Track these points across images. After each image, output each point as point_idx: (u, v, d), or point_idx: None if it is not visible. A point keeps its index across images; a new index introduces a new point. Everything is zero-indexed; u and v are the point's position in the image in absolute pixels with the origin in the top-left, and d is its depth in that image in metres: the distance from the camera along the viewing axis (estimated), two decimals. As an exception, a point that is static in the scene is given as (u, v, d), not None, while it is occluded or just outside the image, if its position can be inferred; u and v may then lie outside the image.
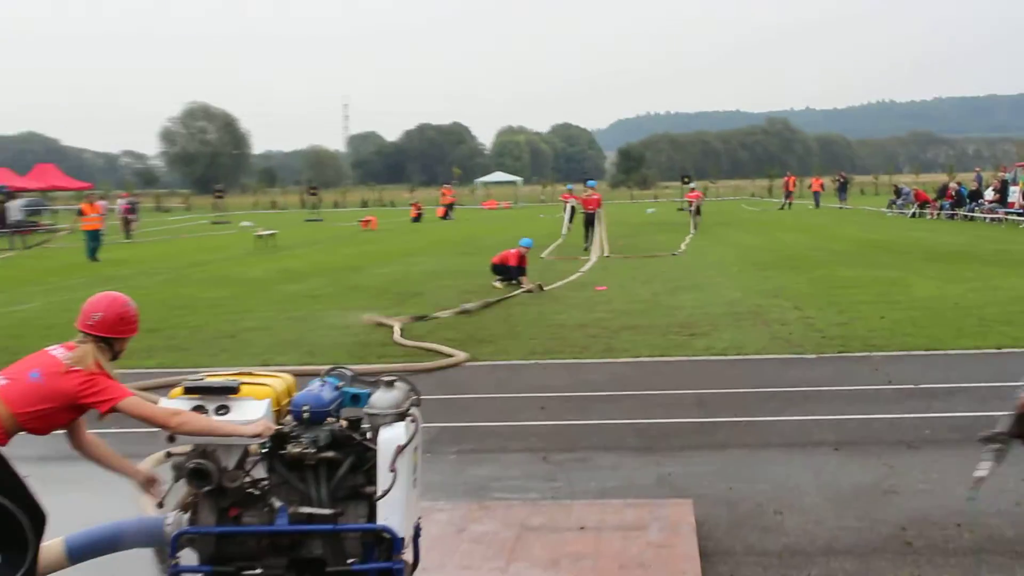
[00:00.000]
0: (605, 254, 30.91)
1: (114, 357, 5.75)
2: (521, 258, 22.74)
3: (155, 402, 5.67)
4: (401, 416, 5.61)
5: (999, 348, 13.49)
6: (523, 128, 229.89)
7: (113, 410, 5.45)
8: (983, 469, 6.13)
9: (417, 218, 62.00)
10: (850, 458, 8.75)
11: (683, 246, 33.15)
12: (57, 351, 5.61)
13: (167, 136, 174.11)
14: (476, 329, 16.57)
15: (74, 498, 6.34)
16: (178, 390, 5.60)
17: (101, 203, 44.06)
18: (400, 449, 5.43)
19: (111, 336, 5.70)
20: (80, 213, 37.54)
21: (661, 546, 6.60)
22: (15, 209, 48.86)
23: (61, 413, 5.49)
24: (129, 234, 50.22)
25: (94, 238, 35.72)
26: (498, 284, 22.26)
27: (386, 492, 5.38)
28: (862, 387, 11.43)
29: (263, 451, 5.65)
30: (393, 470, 5.39)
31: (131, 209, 53.35)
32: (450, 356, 13.84)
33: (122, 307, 5.77)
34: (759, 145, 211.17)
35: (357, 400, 5.81)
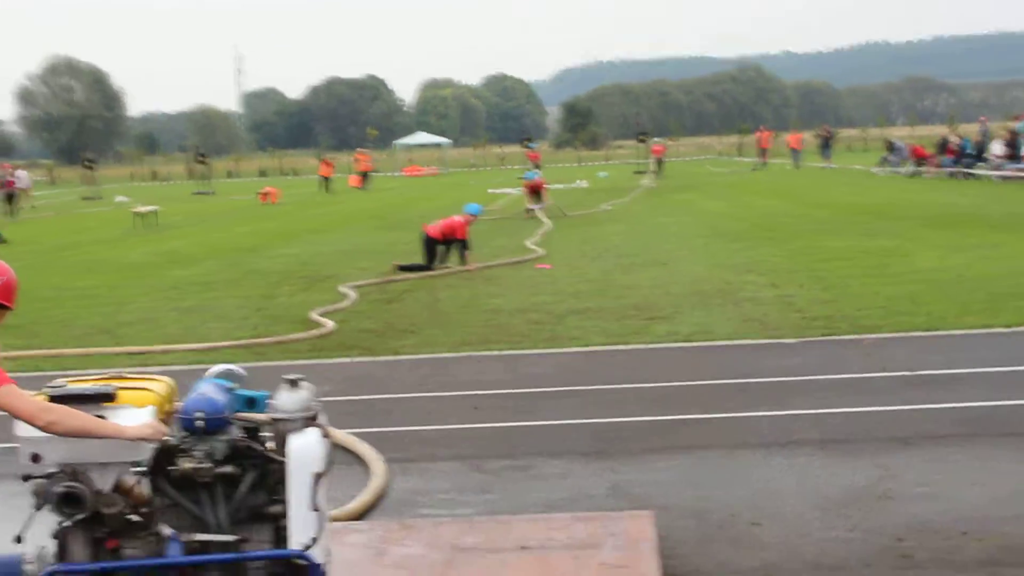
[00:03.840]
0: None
1: None
2: (466, 227, 22.65)
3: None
4: (311, 420, 5.53)
5: (1011, 327, 13.62)
6: (450, 81, 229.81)
7: None
8: None
9: (327, 180, 61.78)
10: (838, 458, 8.77)
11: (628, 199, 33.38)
12: None
13: (25, 97, 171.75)
14: (397, 317, 16.53)
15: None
16: (39, 398, 5.48)
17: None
18: (319, 478, 5.34)
19: (5, 305, 5.57)
20: None
21: (617, 566, 6.57)
22: None
23: None
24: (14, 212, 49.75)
25: None
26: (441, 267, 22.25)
27: (314, 540, 5.29)
28: (851, 375, 11.49)
29: (143, 469, 5.55)
30: (316, 508, 5.31)
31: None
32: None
33: (11, 273, 5.67)
34: (728, 95, 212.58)
35: (253, 404, 5.73)
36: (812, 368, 11.90)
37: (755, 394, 10.91)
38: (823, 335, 13.57)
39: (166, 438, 5.46)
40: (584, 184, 55.68)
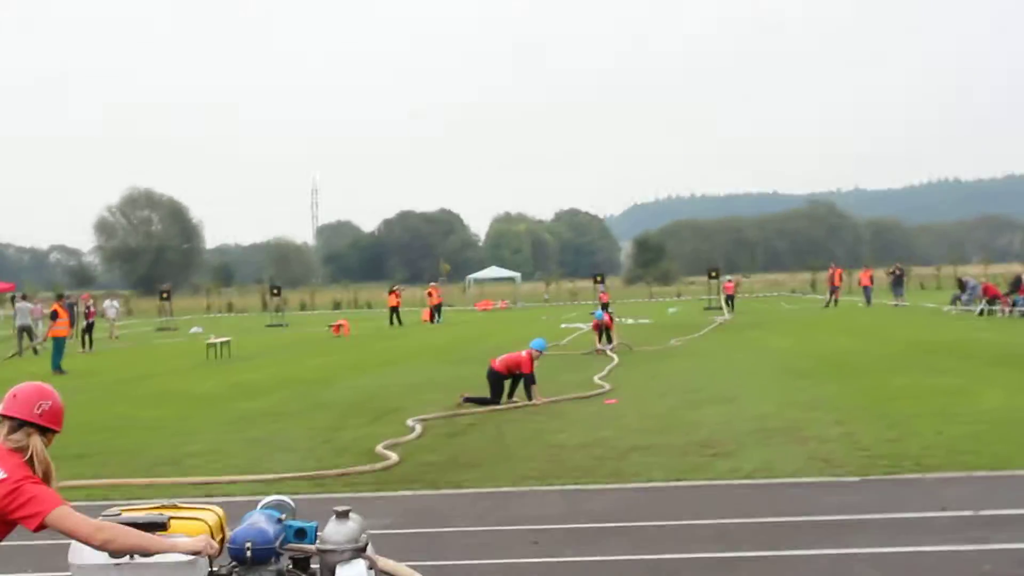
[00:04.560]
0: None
1: None
2: (532, 363, 22.79)
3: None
4: (359, 551, 5.62)
5: (1076, 468, 13.46)
6: (523, 216, 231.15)
7: (43, 525, 5.47)
8: None
9: (395, 310, 62.24)
10: (896, 598, 8.72)
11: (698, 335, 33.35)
12: None
13: (104, 228, 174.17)
14: (460, 450, 16.61)
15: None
16: None
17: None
18: None
19: (54, 429, 5.78)
20: (54, 317, 37.67)
21: None
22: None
23: None
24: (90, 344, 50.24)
25: (61, 346, 36.26)
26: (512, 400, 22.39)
27: None
28: (912, 514, 11.40)
29: None
30: None
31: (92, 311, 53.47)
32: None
33: (56, 397, 5.88)
34: (800, 233, 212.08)
35: (303, 535, 5.82)
36: (873, 507, 11.81)
37: (814, 532, 10.85)
38: (886, 473, 13.48)
39: (217, 567, 5.56)
40: (647, 321, 55.68)
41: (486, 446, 17.02)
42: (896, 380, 23.04)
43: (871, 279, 67.50)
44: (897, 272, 68.36)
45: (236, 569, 5.60)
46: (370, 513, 11.52)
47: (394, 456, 15.76)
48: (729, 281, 63.26)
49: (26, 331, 46.24)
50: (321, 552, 5.63)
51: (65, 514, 5.47)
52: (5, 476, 5.50)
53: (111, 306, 64.38)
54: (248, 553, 5.56)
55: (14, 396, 5.79)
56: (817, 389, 22.12)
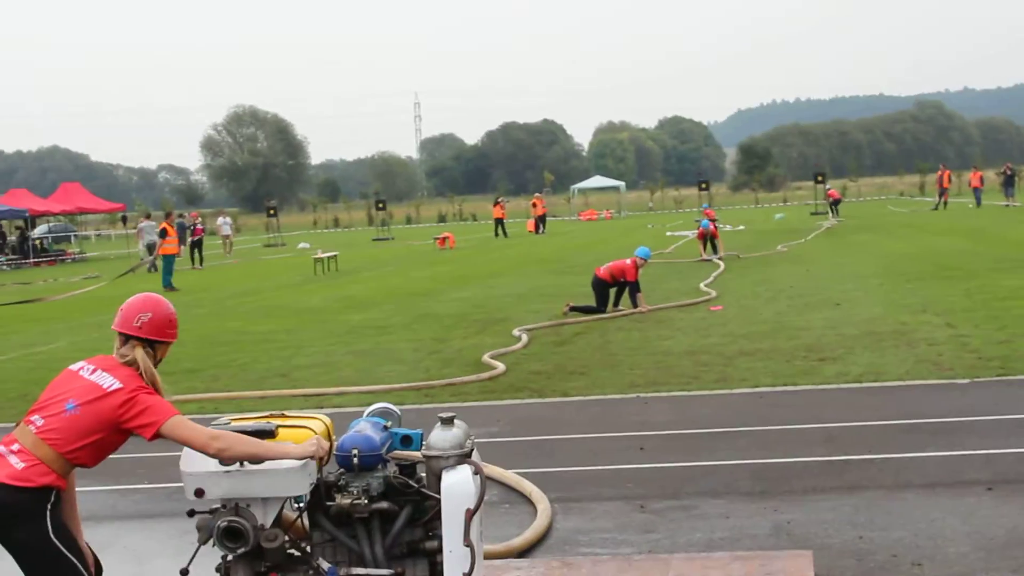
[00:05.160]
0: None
1: (155, 366, 5.93)
2: (636, 270, 22.78)
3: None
4: (464, 457, 5.66)
5: None
6: (626, 124, 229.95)
7: (158, 435, 5.58)
8: None
9: (500, 221, 62.56)
10: (1006, 499, 8.64)
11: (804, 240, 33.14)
12: (86, 371, 5.77)
13: (210, 146, 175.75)
14: (567, 359, 16.66)
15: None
16: None
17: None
18: (471, 514, 5.45)
19: (159, 340, 5.89)
20: (163, 235, 38.29)
21: (775, 605, 6.59)
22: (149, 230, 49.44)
23: (108, 439, 5.65)
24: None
25: (171, 263, 36.96)
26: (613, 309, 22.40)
27: (469, 574, 5.40)
28: (1023, 416, 11.29)
29: (301, 504, 5.73)
30: (468, 543, 5.42)
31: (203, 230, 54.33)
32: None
33: (168, 308, 6.01)
34: (908, 134, 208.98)
35: (408, 442, 5.88)
36: (984, 408, 11.70)
37: (923, 434, 10.79)
38: (997, 375, 13.33)
39: (325, 474, 5.64)
40: (742, 228, 55.26)
41: (592, 354, 17.06)
42: (1007, 281, 22.70)
43: (981, 180, 66.46)
44: (1008, 172, 67.23)
45: (344, 476, 5.67)
46: (477, 422, 11.65)
47: (501, 366, 15.85)
48: (831, 189, 63.09)
49: (151, 248, 47.06)
50: (426, 458, 5.69)
51: (180, 423, 5.58)
52: (121, 386, 5.61)
53: (225, 223, 64.98)
54: (355, 460, 5.63)
55: (121, 311, 5.91)
56: (926, 292, 21.88)
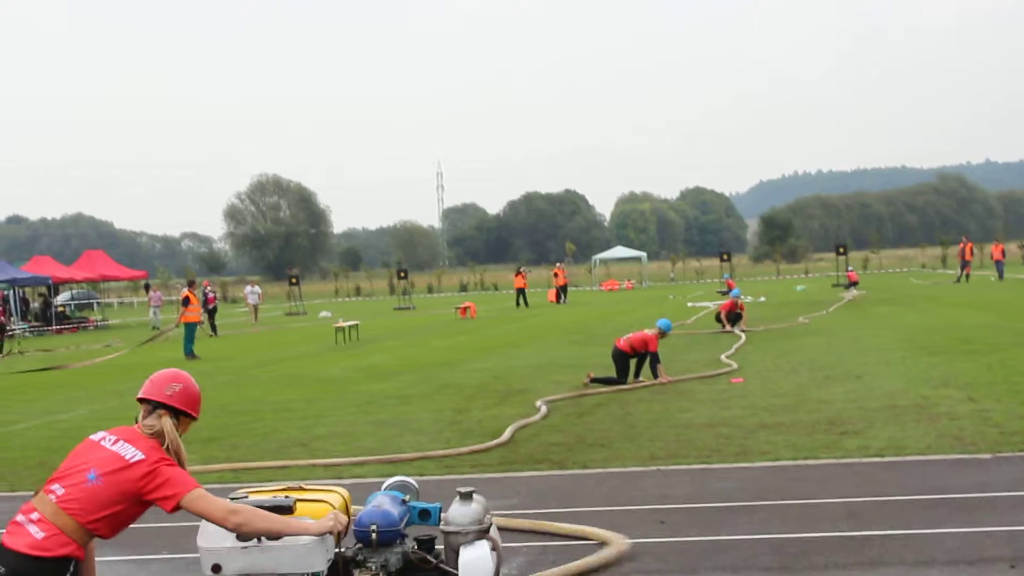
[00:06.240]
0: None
1: None
2: (657, 341, 22.74)
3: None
4: (483, 533, 5.64)
5: None
6: (648, 195, 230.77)
7: (178, 507, 5.59)
8: None
9: (522, 291, 62.79)
10: (1029, 577, 8.59)
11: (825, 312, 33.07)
12: (107, 441, 5.78)
13: (234, 214, 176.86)
14: (587, 430, 16.62)
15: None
16: None
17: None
18: None
19: (186, 412, 5.92)
20: (186, 303, 38.35)
21: None
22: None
23: (128, 511, 5.66)
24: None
25: (193, 331, 36.95)
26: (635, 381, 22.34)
27: None
28: (1047, 492, 11.21)
29: None
30: None
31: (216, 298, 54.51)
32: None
33: (196, 385, 6.05)
34: (930, 206, 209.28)
35: (427, 516, 5.87)
36: (1006, 484, 11.62)
37: (944, 510, 10.70)
38: (1020, 451, 13.25)
39: (343, 548, 5.63)
40: (763, 300, 55.24)
41: (612, 426, 17.01)
42: (1029, 355, 22.63)
43: (1003, 253, 66.43)
44: (1030, 246, 67.18)
45: (362, 551, 5.66)
46: (496, 494, 11.62)
47: (507, 432, 16.09)
48: (851, 270, 63.74)
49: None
50: (445, 534, 5.67)
51: (200, 496, 5.59)
52: (143, 457, 5.63)
53: (253, 292, 64.98)
54: (373, 536, 5.62)
55: (150, 381, 5.95)
56: (948, 365, 21.81)
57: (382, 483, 6.34)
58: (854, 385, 19.81)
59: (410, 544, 5.75)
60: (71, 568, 5.52)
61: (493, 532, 5.72)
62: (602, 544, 9.43)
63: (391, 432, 17.47)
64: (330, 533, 5.52)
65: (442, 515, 5.75)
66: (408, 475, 6.69)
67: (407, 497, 5.94)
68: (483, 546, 5.52)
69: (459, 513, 5.64)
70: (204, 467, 14.34)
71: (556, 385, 22.19)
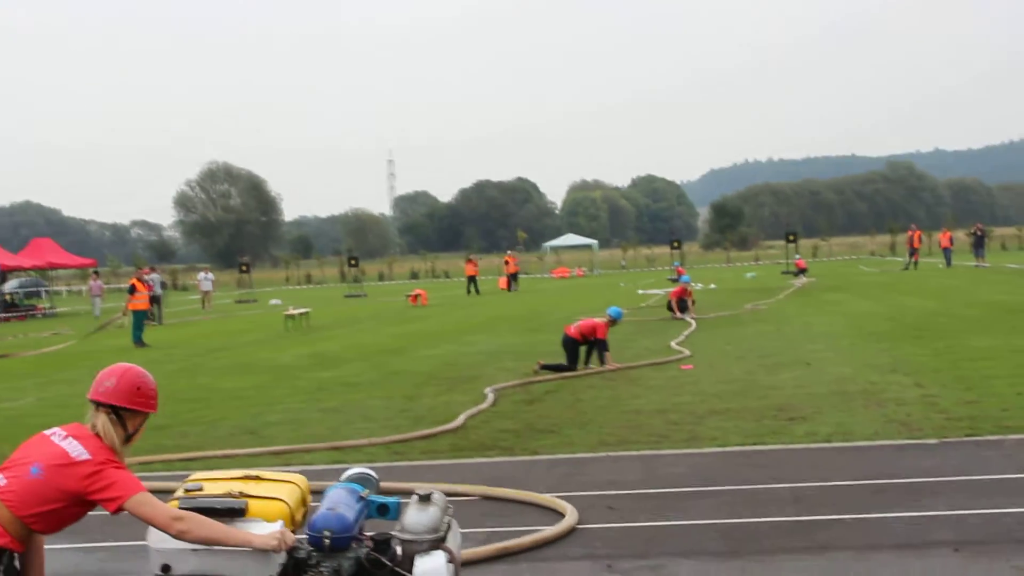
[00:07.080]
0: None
1: (128, 439, 5.89)
2: (606, 329, 22.80)
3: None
4: (439, 542, 5.57)
5: None
6: (599, 183, 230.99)
7: (121, 509, 5.56)
8: None
9: (473, 279, 62.67)
10: (973, 560, 8.64)
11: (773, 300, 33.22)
12: (57, 436, 5.74)
13: (184, 202, 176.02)
14: (537, 417, 16.63)
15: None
16: (172, 504, 5.68)
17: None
18: None
19: (125, 407, 5.85)
20: (132, 291, 37.87)
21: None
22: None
23: (68, 511, 5.62)
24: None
25: (141, 319, 36.68)
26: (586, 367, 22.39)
27: None
28: (990, 476, 11.30)
29: None
30: None
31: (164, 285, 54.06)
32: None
33: (137, 376, 5.97)
34: (879, 195, 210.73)
35: (385, 511, 5.80)
36: (951, 469, 11.72)
37: (891, 495, 10.77)
38: (965, 435, 13.36)
39: (296, 550, 5.58)
40: (713, 287, 55.47)
41: (562, 412, 17.03)
42: (976, 342, 22.82)
43: (951, 240, 66.93)
44: (978, 233, 67.66)
45: (315, 555, 5.62)
46: (447, 480, 11.61)
47: (461, 418, 16.20)
48: (799, 258, 64.60)
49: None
50: (400, 540, 5.63)
51: (143, 501, 5.56)
52: (89, 457, 5.60)
53: (206, 279, 64.64)
54: (326, 542, 5.58)
55: (95, 378, 5.92)
56: (895, 352, 21.96)
57: (332, 470, 6.31)
58: (803, 372, 19.91)
59: (363, 550, 5.68)
60: (4, 559, 5.48)
61: (451, 540, 5.68)
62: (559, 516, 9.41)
63: (341, 419, 17.42)
64: (274, 551, 5.48)
65: (401, 518, 5.70)
66: (358, 461, 6.63)
67: (365, 492, 5.87)
68: (439, 557, 5.47)
69: (415, 520, 5.57)
70: (153, 457, 14.25)
71: (507, 372, 22.20)
